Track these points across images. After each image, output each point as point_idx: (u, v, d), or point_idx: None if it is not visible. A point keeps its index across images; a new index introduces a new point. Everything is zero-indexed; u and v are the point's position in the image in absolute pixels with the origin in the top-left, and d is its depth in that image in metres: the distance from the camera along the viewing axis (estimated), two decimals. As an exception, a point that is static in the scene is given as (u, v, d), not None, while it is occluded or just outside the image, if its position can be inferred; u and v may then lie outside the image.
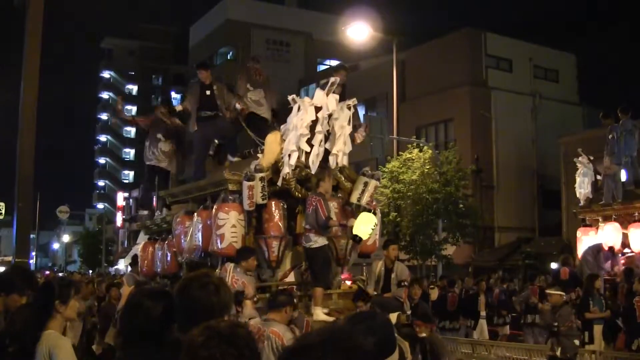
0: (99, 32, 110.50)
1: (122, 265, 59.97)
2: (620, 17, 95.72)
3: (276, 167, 10.39)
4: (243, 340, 2.59)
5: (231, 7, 54.90)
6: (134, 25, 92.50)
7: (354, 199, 11.01)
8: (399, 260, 12.01)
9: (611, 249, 16.28)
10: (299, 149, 10.07)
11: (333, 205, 10.47)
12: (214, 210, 10.35)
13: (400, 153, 28.79)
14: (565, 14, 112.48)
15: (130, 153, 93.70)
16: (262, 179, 9.95)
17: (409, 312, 11.02)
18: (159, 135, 13.23)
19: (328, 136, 10.60)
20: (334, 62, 51.67)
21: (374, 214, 10.84)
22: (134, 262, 13.91)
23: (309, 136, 10.14)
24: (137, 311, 3.60)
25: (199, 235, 10.72)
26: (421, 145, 29.20)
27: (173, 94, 79.83)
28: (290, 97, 10.38)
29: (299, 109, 10.18)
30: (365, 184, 11.06)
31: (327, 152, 10.60)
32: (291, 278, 10.77)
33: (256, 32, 53.45)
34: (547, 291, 12.34)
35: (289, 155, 10.10)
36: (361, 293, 10.13)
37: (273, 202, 10.33)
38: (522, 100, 35.67)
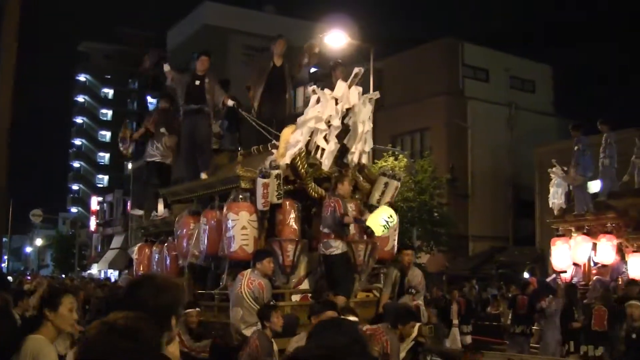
0: (76, 35, 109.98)
1: (95, 269, 59.65)
2: (597, 30, 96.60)
3: (292, 164, 9.76)
4: (142, 334, 2.38)
5: (209, 13, 54.71)
6: (111, 29, 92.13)
7: (373, 200, 10.47)
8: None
9: (582, 265, 16.49)
10: (315, 145, 9.60)
11: (351, 207, 9.87)
12: (224, 210, 9.66)
13: (376, 161, 28.79)
14: (541, 25, 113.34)
15: (105, 157, 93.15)
16: (277, 176, 9.31)
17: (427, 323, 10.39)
18: (163, 130, 12.60)
19: (347, 132, 10.08)
20: (311, 70, 51.58)
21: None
22: (129, 265, 13.34)
23: (327, 132, 9.62)
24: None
25: (205, 237, 10.01)
26: (397, 153, 29.26)
27: (149, 99, 79.35)
28: (310, 88, 9.87)
29: (317, 100, 9.66)
30: (386, 185, 10.53)
31: (346, 150, 10.12)
32: (305, 285, 10.11)
33: (233, 37, 53.28)
34: (630, 303, 11.73)
35: (293, 147, 9.53)
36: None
37: (288, 203, 9.67)
38: (498, 110, 35.82)
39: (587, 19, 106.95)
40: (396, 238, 10.99)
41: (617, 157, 17.24)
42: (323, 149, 9.64)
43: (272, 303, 8.45)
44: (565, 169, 17.86)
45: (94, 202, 67.04)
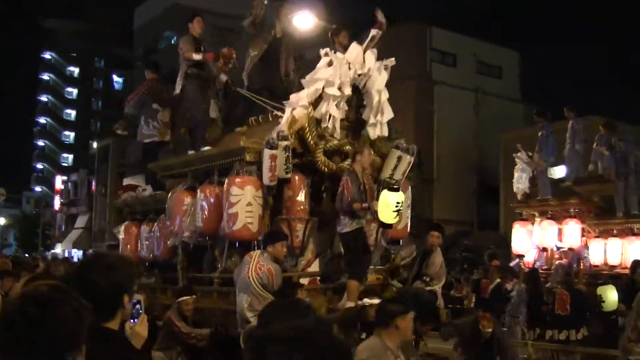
0: (42, 11, 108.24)
1: (59, 249, 59.11)
2: (564, 18, 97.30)
3: (300, 135, 9.04)
4: (52, 303, 2.31)
5: (178, -9, 54.22)
6: (77, 6, 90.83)
7: (385, 175, 9.76)
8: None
9: (545, 249, 16.66)
10: (327, 113, 8.94)
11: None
12: (225, 184, 8.78)
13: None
14: (510, 12, 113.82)
15: (70, 136, 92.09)
16: (286, 148, 8.47)
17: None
18: (156, 106, 11.56)
19: (361, 100, 9.57)
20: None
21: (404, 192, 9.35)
22: (115, 246, 12.64)
23: (340, 99, 8.99)
24: None
25: (201, 214, 9.17)
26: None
27: (115, 78, 78.53)
28: (322, 51, 9.21)
29: (330, 63, 9.04)
30: (399, 159, 9.86)
31: (362, 121, 9.58)
32: (315, 267, 9.39)
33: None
34: None
35: (292, 110, 8.84)
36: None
37: (297, 177, 8.91)
38: (464, 95, 36.00)
39: (555, 8, 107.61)
40: (409, 216, 10.43)
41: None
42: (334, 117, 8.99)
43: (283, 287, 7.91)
44: (530, 154, 17.99)
45: (59, 181, 66.23)
